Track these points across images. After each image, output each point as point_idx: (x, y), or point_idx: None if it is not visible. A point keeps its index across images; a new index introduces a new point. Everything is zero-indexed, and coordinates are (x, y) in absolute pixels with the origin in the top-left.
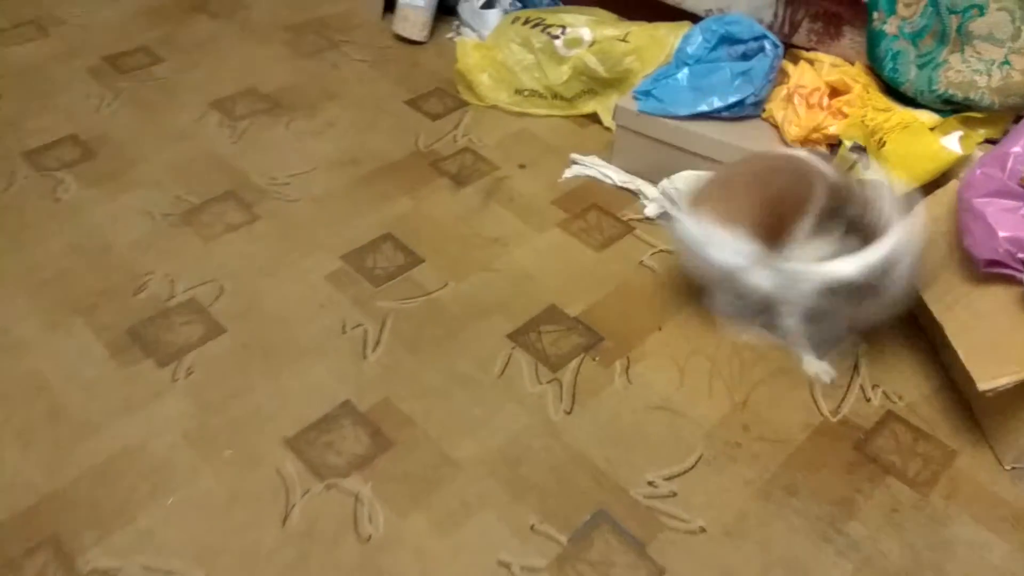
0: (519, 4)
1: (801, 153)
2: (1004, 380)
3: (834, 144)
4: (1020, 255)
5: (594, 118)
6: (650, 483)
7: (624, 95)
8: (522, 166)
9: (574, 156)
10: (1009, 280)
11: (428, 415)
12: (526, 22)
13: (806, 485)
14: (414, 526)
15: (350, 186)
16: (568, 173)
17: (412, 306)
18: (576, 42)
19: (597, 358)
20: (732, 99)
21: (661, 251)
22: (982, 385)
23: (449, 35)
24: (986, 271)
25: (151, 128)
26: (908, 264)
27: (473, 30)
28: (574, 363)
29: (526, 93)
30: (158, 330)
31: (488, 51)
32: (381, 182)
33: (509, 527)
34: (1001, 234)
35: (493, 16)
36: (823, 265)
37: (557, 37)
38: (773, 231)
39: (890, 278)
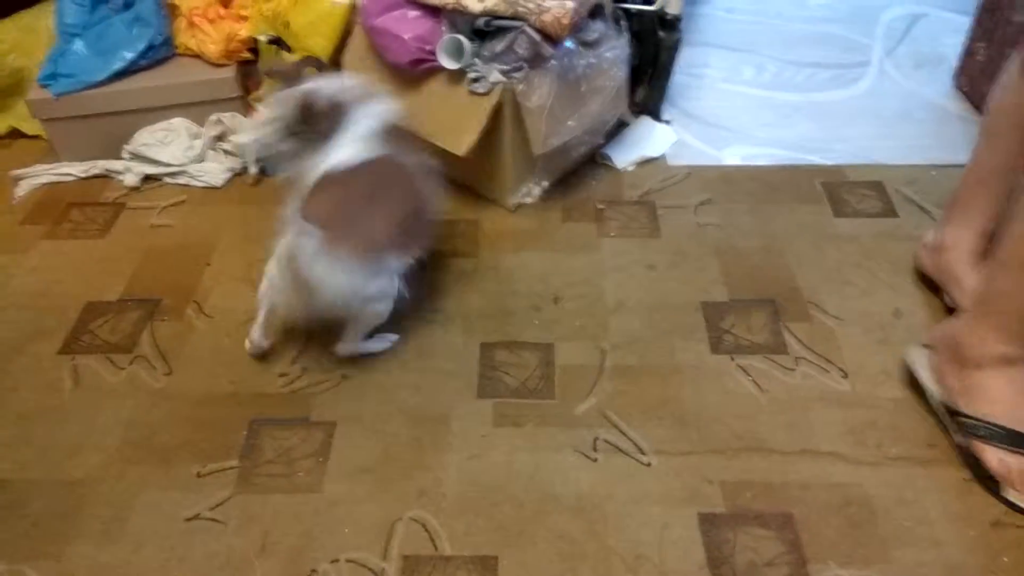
0: None
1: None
2: (470, 138)
3: (254, 47)
4: (427, 47)
5: (16, 133)
6: (282, 375)
7: (29, 95)
8: None
9: (15, 173)
10: (431, 69)
11: (20, 466)
12: None
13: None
14: (74, 559)
15: None
16: (19, 192)
17: None
18: None
19: (165, 318)
20: (141, 46)
21: (165, 207)
22: (459, 150)
23: None
24: (413, 70)
25: None
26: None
27: None
28: (145, 334)
29: None
30: None
31: None
32: None
33: (176, 490)
34: (407, 36)
35: None
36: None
37: None
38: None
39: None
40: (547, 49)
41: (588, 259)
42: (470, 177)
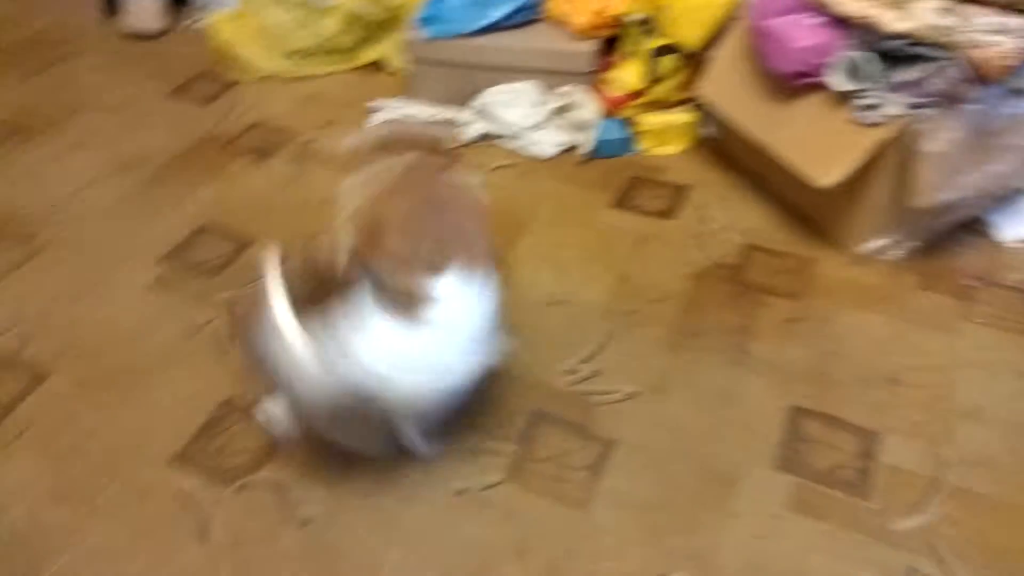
0: None
1: None
2: (839, 171)
3: (618, 25)
4: (818, 60)
5: (377, 67)
6: (569, 371)
7: (404, 33)
8: (326, 125)
9: (373, 104)
10: (813, 87)
11: None
12: None
13: (705, 324)
14: (354, 491)
15: (141, 189)
16: (374, 122)
17: None
18: None
19: None
20: (513, 5)
21: (497, 168)
22: (821, 182)
23: (190, 21)
24: (793, 83)
25: None
26: None
27: (216, 7)
28: None
29: (300, 54)
30: None
31: (245, 20)
32: (176, 177)
33: (452, 458)
34: (798, 45)
35: None
36: None
37: None
38: None
39: None
40: (971, 89)
41: (942, 343)
42: (813, 208)
